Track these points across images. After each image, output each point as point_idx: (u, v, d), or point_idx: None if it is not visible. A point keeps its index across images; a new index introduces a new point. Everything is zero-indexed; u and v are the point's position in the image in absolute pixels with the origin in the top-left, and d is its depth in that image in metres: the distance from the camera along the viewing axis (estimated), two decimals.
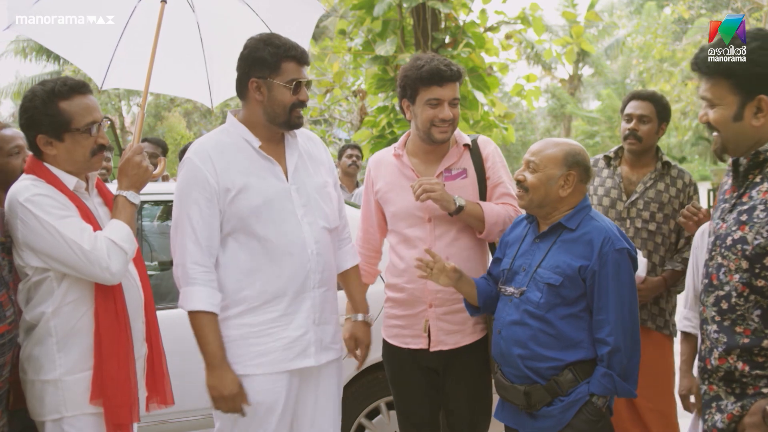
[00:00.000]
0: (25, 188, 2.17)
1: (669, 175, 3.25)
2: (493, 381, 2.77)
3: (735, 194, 2.02)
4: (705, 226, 2.79)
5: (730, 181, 2.09)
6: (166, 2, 2.78)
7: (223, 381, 2.30)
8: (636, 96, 3.35)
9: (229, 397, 2.30)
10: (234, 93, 3.31)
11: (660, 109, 3.27)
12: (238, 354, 2.39)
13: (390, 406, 3.52)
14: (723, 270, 1.96)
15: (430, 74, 2.61)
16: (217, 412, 2.44)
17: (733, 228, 1.94)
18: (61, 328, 2.20)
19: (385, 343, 2.88)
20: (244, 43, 2.46)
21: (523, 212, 2.63)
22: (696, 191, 3.28)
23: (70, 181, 2.25)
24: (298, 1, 3.22)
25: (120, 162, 2.35)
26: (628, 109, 3.31)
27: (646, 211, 3.22)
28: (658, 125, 3.27)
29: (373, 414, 3.53)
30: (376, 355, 3.07)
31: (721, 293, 1.97)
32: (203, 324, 2.31)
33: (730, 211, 2.00)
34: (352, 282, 2.72)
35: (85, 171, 2.31)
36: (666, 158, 3.30)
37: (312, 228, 2.44)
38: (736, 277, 1.92)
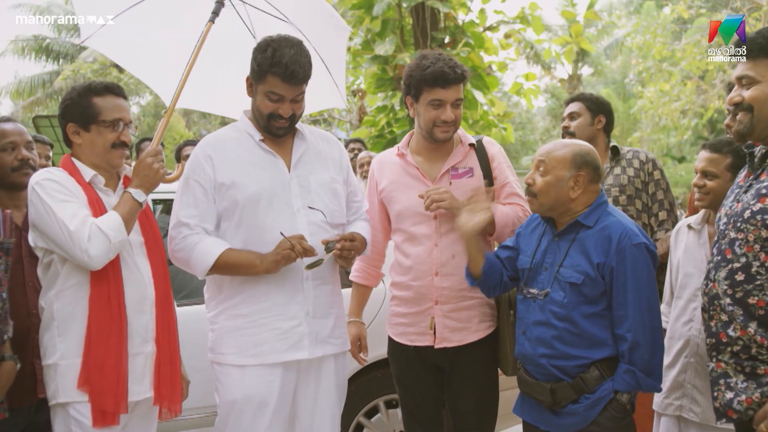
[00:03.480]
0: (40, 174, 2.31)
1: (624, 159, 3.33)
2: (500, 377, 2.80)
3: (750, 177, 2.13)
4: (679, 225, 2.87)
5: (743, 173, 2.20)
6: (213, 22, 2.80)
7: (263, 260, 2.39)
8: (566, 101, 3.52)
9: (278, 253, 2.37)
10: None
11: (590, 104, 3.38)
12: (235, 345, 2.45)
13: (389, 404, 3.53)
14: (738, 243, 2.05)
15: (434, 76, 2.61)
16: (218, 406, 2.48)
17: (752, 202, 2.03)
18: (61, 312, 2.27)
19: (390, 340, 2.88)
20: None
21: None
22: (656, 166, 3.33)
23: (87, 173, 2.37)
24: (331, 27, 3.26)
25: (135, 162, 2.44)
26: (564, 114, 3.47)
27: (608, 198, 3.25)
28: (591, 118, 3.37)
29: (371, 413, 3.54)
30: (375, 353, 3.08)
31: (737, 265, 2.05)
32: (227, 260, 2.41)
33: (746, 192, 2.10)
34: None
35: (105, 164, 2.40)
36: (613, 143, 3.39)
37: (309, 220, 2.48)
38: (757, 247, 2.00)
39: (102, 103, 2.37)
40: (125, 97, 2.45)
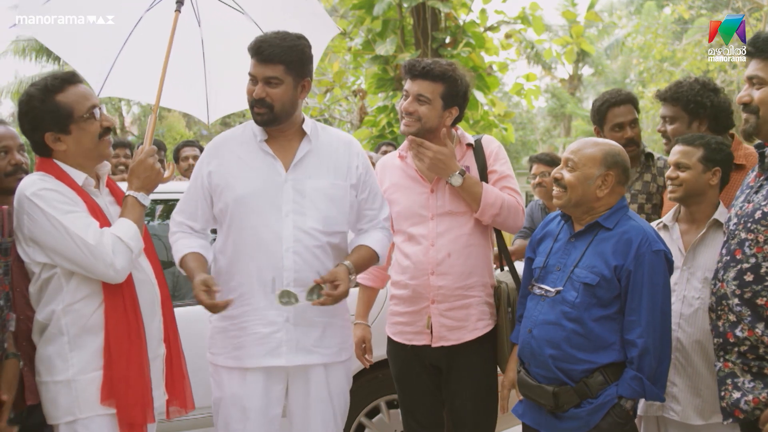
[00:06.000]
0: (33, 182, 2.16)
1: (655, 166, 3.24)
2: (500, 379, 2.78)
3: (761, 178, 2.13)
4: (654, 225, 2.85)
5: (753, 174, 2.20)
6: (180, 12, 2.76)
7: (194, 283, 2.35)
8: (616, 102, 3.17)
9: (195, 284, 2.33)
10: (232, 110, 3.28)
11: (638, 108, 3.27)
12: (222, 345, 2.47)
13: (390, 405, 3.52)
14: (748, 243, 2.04)
15: (405, 68, 2.73)
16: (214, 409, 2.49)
17: (763, 203, 2.03)
18: (72, 326, 2.17)
19: (389, 340, 2.89)
20: (244, 60, 2.48)
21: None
22: None
23: (79, 176, 2.25)
24: (310, 21, 3.08)
25: (132, 163, 2.35)
26: (618, 119, 3.15)
27: (633, 204, 3.21)
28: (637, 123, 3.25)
29: (373, 413, 3.53)
30: (376, 353, 3.07)
31: (746, 266, 2.05)
32: (185, 263, 2.46)
33: (757, 192, 2.10)
34: (357, 249, 2.54)
35: (97, 158, 2.30)
36: (648, 150, 3.29)
37: (296, 225, 2.41)
38: (767, 248, 2.00)
39: (68, 98, 2.21)
40: (81, 81, 2.28)
